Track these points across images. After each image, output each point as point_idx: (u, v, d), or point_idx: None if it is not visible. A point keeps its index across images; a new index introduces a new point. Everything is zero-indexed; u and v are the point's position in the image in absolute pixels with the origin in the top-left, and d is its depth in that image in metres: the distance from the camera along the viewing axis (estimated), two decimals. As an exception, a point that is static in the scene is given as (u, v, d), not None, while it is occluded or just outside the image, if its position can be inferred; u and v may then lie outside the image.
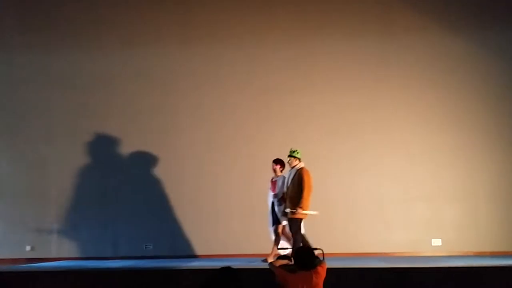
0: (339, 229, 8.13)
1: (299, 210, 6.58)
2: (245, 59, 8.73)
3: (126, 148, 8.66)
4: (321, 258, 4.81)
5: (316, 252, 4.69)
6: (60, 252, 8.44)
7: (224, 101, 8.65)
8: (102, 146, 8.68)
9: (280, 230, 7.02)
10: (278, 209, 6.94)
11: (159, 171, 8.57)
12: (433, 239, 8.09)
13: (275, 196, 6.99)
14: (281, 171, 7.06)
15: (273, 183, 7.09)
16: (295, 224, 6.66)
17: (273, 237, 7.07)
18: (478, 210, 8.14)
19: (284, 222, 6.94)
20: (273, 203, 7.00)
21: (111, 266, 6.96)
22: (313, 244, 6.25)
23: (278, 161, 7.04)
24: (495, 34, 8.52)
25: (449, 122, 8.37)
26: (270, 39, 8.70)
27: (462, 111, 8.38)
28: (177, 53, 8.79)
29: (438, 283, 5.62)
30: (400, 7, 8.62)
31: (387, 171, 8.31)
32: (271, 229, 7.05)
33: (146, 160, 8.61)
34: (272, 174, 7.14)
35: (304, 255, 4.54)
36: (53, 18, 8.94)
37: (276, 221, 6.99)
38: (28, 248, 8.50)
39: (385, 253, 7.99)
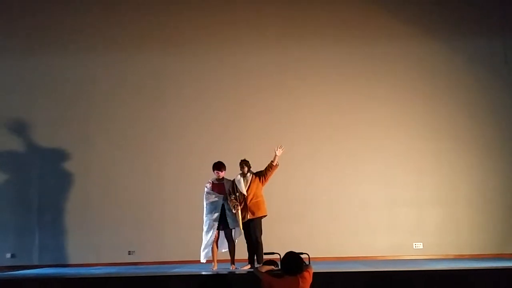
0: (322, 233, 8.19)
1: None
2: (229, 64, 8.77)
3: (109, 155, 8.60)
4: (307, 263, 4.86)
5: (302, 256, 4.73)
6: (42, 259, 8.34)
7: (208, 105, 8.68)
8: (85, 153, 8.60)
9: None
10: (230, 213, 6.75)
11: (141, 177, 8.52)
12: (415, 243, 8.22)
13: (226, 198, 6.81)
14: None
15: (219, 185, 6.93)
16: (259, 226, 6.70)
17: (224, 243, 6.83)
18: (459, 214, 8.28)
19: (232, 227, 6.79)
20: (223, 206, 6.82)
21: (95, 273, 6.89)
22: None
23: (223, 166, 6.94)
24: (479, 43, 8.70)
25: (432, 129, 8.51)
26: (256, 43, 8.78)
27: (444, 118, 8.54)
28: (160, 57, 8.79)
29: (425, 286, 5.68)
30: (384, 14, 8.76)
31: (371, 176, 8.40)
32: (214, 233, 6.73)
33: (128, 167, 8.56)
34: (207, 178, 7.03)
35: (291, 260, 4.57)
36: (35, 22, 8.89)
37: (226, 225, 6.77)
38: (8, 255, 8.36)
39: (367, 256, 8.08)
